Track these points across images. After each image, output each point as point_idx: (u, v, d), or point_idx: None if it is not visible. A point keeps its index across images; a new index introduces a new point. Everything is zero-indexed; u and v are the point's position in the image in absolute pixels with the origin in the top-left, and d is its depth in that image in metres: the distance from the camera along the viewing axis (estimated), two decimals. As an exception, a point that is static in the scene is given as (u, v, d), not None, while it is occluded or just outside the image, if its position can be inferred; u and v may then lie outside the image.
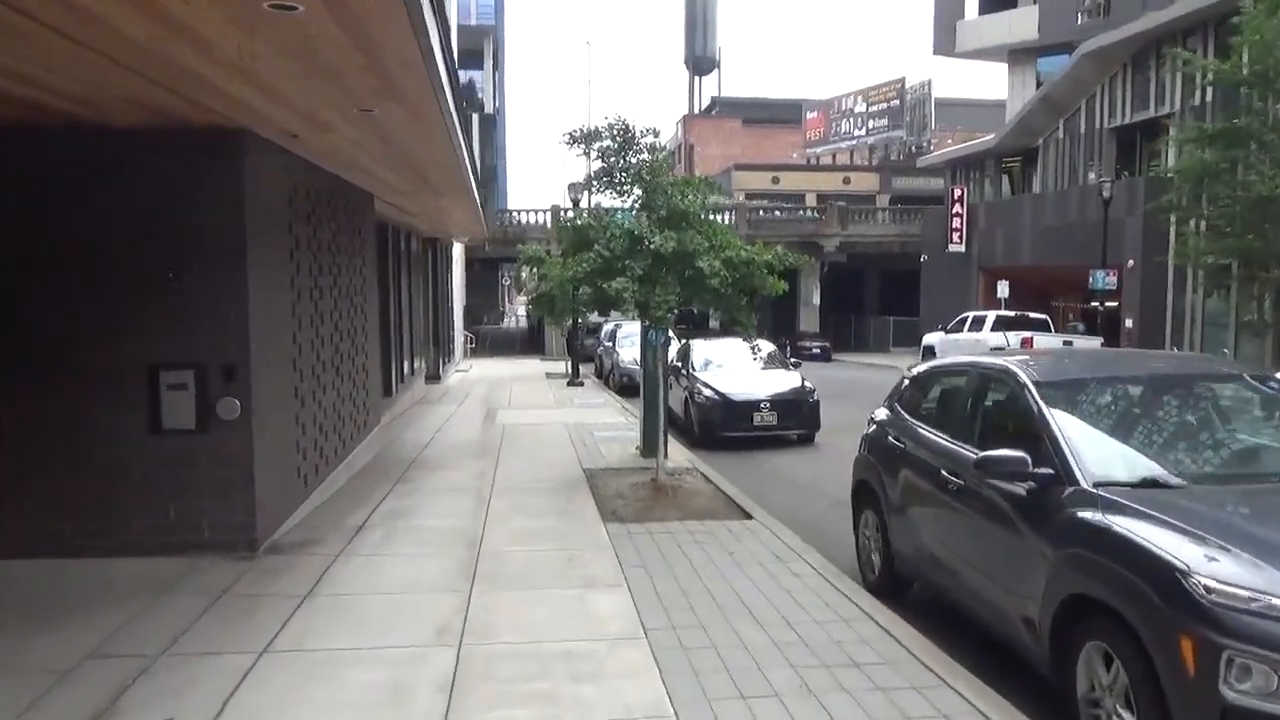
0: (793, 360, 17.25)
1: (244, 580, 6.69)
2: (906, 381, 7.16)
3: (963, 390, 6.10)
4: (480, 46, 62.39)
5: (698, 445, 13.95)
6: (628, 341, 23.92)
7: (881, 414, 7.32)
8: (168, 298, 7.03)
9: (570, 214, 10.37)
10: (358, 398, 11.15)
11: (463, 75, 64.00)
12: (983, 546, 5.34)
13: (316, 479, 9.18)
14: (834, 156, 62.05)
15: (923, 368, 7.18)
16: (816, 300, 41.38)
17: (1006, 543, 5.02)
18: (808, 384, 14.92)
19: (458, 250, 33.44)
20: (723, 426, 13.99)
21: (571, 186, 23.52)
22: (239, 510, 7.26)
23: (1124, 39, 26.90)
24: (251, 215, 7.20)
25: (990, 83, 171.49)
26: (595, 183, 10.24)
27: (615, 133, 9.97)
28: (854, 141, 61.83)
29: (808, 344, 38.44)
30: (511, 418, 16.92)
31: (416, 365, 20.08)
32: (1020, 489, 4.90)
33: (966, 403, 5.94)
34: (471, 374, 28.73)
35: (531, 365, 32.94)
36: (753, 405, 13.98)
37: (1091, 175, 30.36)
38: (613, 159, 10.01)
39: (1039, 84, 36.00)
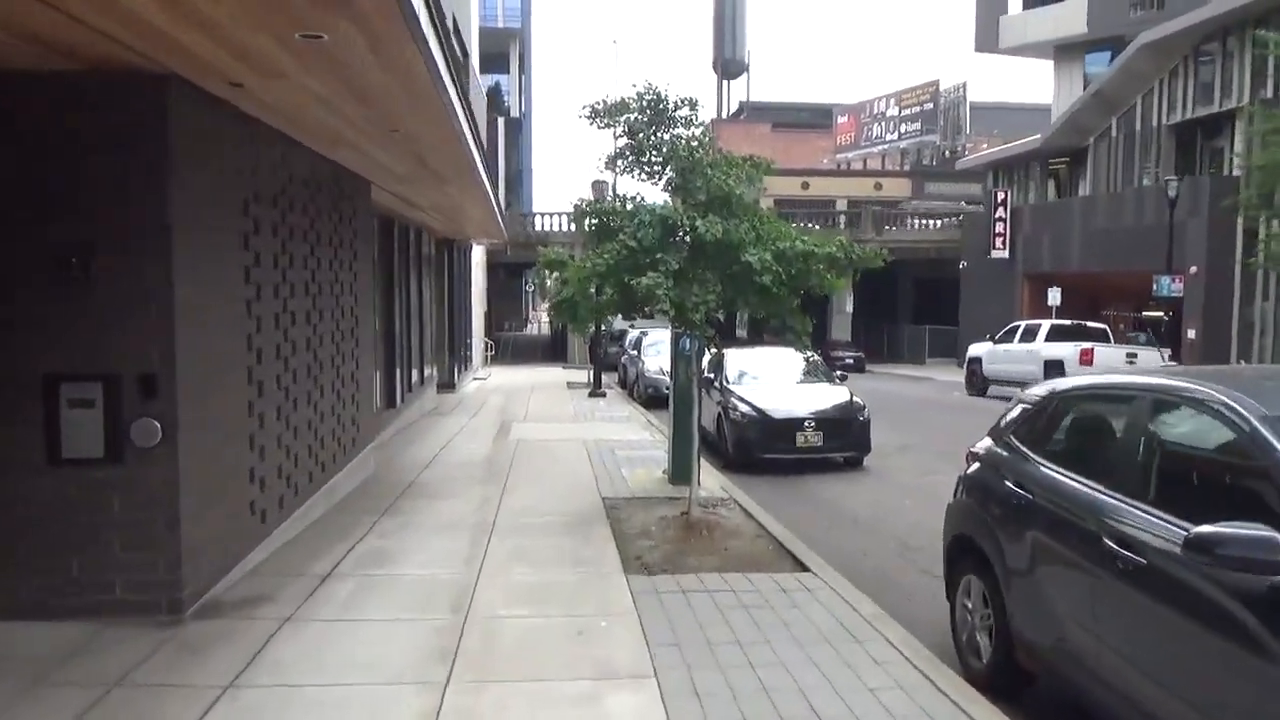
0: (839, 373, 15.40)
1: (153, 661, 5.06)
2: (1027, 407, 5.41)
3: (1127, 423, 4.35)
4: (506, 50, 61.11)
5: (732, 467, 12.24)
6: (653, 350, 22.26)
7: (989, 449, 5.59)
8: (69, 289, 5.44)
9: (589, 200, 8.41)
10: (344, 413, 9.54)
11: (488, 80, 62.83)
12: (1180, 657, 3.61)
13: (281, 513, 7.56)
14: (865, 161, 60.17)
15: (1052, 389, 5.40)
16: (850, 308, 39.51)
17: (1229, 659, 3.30)
18: (856, 399, 13.18)
19: (478, 254, 31.95)
20: (761, 447, 12.27)
21: (596, 185, 21.90)
22: (161, 562, 5.64)
23: (1186, 28, 24.96)
24: (181, 187, 5.60)
25: (1027, 86, 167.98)
26: (619, 162, 8.58)
27: (645, 103, 8.31)
28: (885, 146, 59.90)
29: (840, 354, 36.52)
30: (526, 432, 15.29)
31: (428, 373, 18.51)
32: (1261, 583, 3.18)
33: (1136, 442, 4.20)
34: (490, 382, 27.17)
35: (553, 374, 31.34)
36: (795, 424, 12.25)
37: (1146, 177, 28.37)
38: (641, 134, 8.36)
39: (1086, 81, 34.04)
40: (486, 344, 34.47)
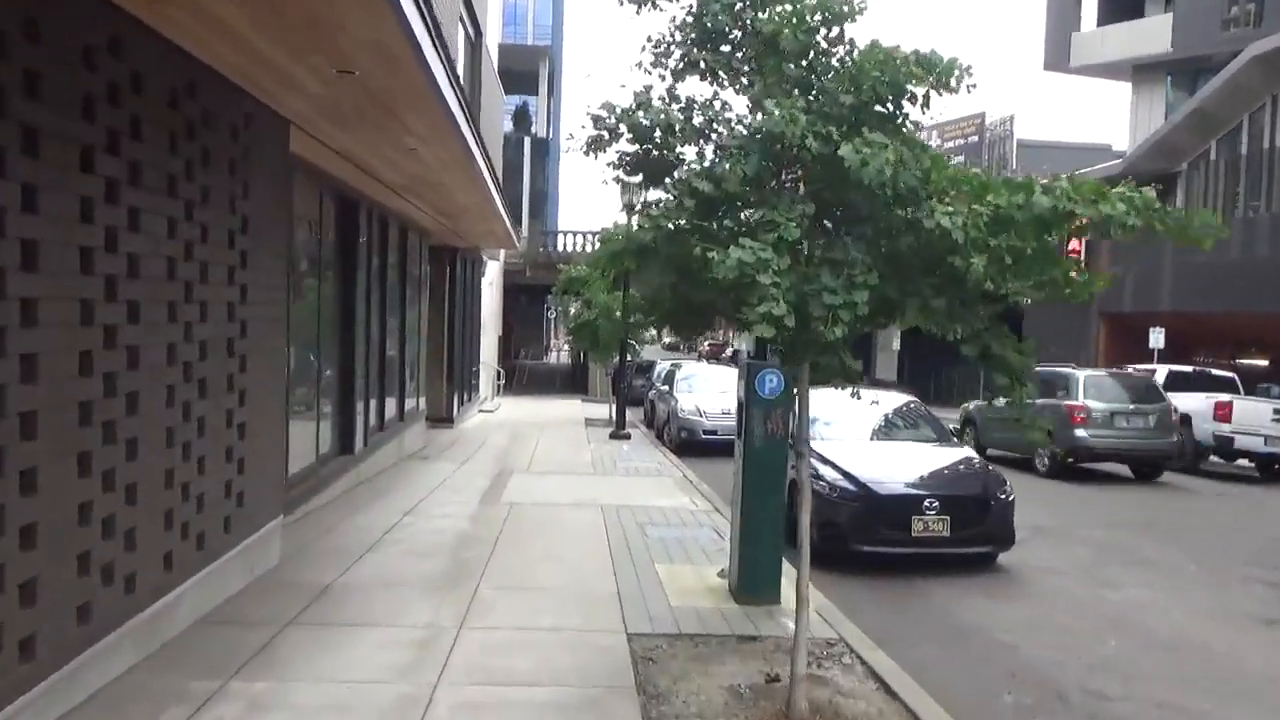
0: (956, 430, 11.11)
1: None
2: None
3: None
4: (535, 68, 57.88)
5: (814, 560, 8.16)
6: (687, 385, 18.25)
7: None
8: None
9: (613, 105, 4.12)
10: (197, 484, 5.59)
11: (516, 99, 59.67)
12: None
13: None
14: (906, 194, 56.26)
15: None
16: (896, 345, 35.36)
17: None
18: (992, 469, 9.13)
19: (492, 270, 28.17)
20: (860, 536, 8.18)
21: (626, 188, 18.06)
22: None
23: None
24: None
25: (1078, 124, 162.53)
26: (675, 52, 4.59)
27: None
28: (928, 179, 56.10)
29: (889, 395, 32.35)
30: (526, 490, 11.30)
31: (411, 406, 14.59)
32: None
33: None
34: (497, 416, 23.24)
35: (570, 408, 27.35)
36: (910, 504, 8.19)
37: (1254, 206, 24.22)
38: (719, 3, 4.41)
39: (1169, 103, 30.01)
40: (498, 372, 30.61)
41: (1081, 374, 16.11)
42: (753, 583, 6.45)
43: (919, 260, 3.97)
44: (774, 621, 6.10)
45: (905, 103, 4.01)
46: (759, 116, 4.08)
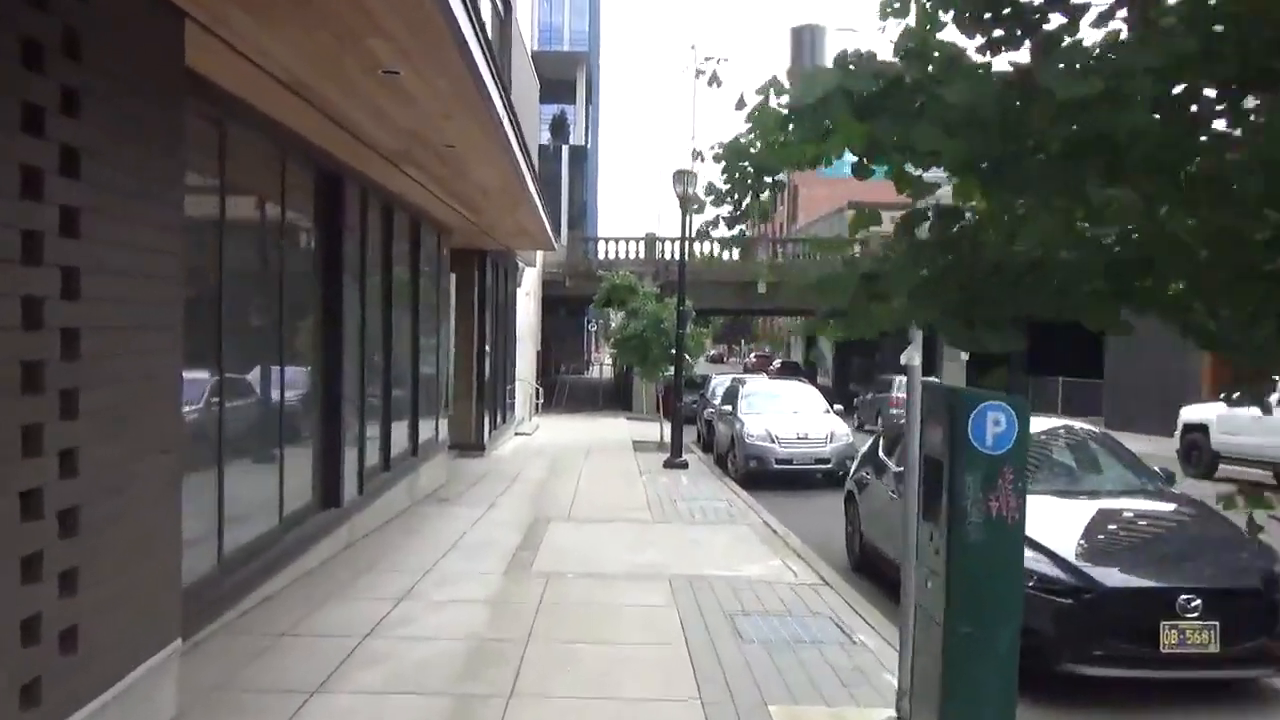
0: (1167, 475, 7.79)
1: None
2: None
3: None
4: (573, 76, 55.44)
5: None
6: (753, 404, 15.31)
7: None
8: None
9: None
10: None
11: (553, 108, 57.33)
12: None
13: None
14: (958, 197, 52.87)
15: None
16: (965, 355, 31.99)
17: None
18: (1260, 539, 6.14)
19: (530, 279, 25.53)
20: (1079, 650, 5.20)
21: (678, 177, 15.24)
22: None
23: None
24: None
25: None
26: None
27: None
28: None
29: (961, 409, 29.09)
30: (567, 549, 8.48)
31: (429, 437, 11.86)
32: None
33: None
34: (535, 439, 20.51)
35: (615, 428, 24.56)
36: (1159, 601, 5.20)
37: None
38: None
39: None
40: (536, 390, 27.91)
41: None
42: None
43: None
44: None
45: None
46: None
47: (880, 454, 8.22)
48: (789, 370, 41.74)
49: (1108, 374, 29.49)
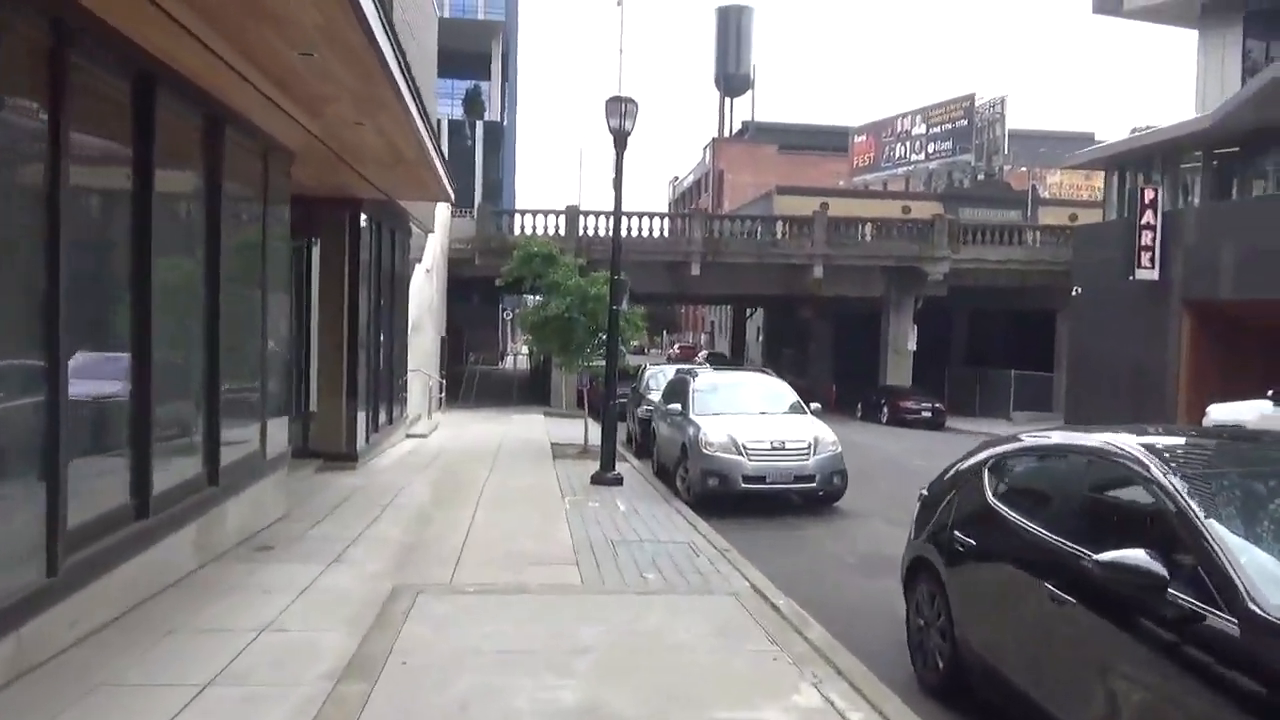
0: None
1: None
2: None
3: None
4: (487, 49, 50.83)
5: None
6: (705, 401, 11.58)
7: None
8: None
9: None
10: None
11: (466, 83, 52.72)
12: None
13: None
14: (884, 185, 50.62)
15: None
16: (912, 345, 29.13)
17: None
18: None
19: (431, 253, 21.42)
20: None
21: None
22: None
23: None
24: None
25: (1070, 112, 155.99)
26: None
27: None
28: (910, 167, 50.45)
29: (912, 404, 26.23)
30: (434, 677, 4.69)
31: (242, 453, 7.80)
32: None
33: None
34: (432, 441, 16.53)
35: (530, 426, 20.68)
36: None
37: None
38: None
39: (1246, 52, 24.24)
40: (440, 383, 23.80)
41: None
42: None
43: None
44: None
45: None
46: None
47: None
48: (716, 362, 38.37)
49: (1066, 367, 26.97)
